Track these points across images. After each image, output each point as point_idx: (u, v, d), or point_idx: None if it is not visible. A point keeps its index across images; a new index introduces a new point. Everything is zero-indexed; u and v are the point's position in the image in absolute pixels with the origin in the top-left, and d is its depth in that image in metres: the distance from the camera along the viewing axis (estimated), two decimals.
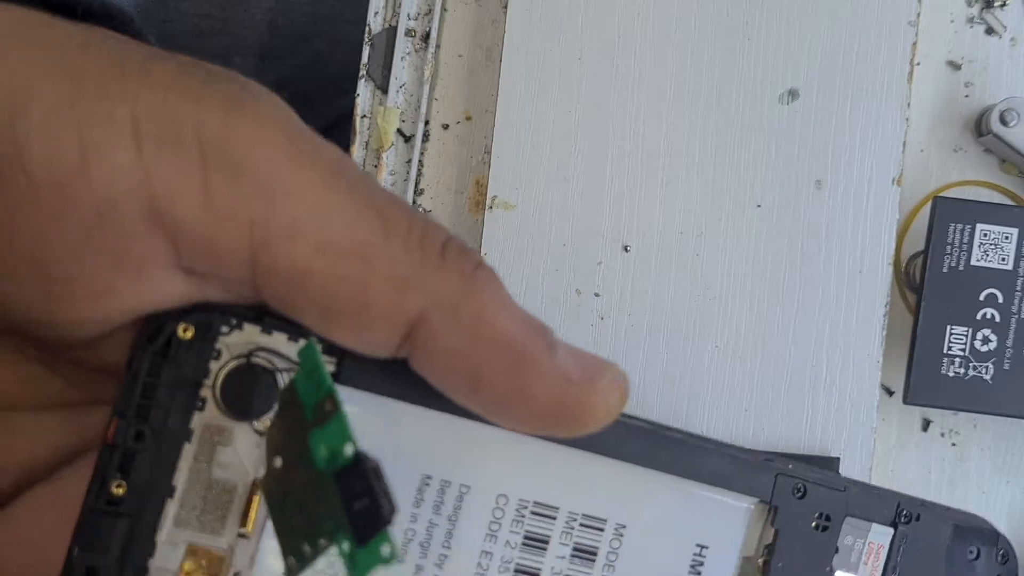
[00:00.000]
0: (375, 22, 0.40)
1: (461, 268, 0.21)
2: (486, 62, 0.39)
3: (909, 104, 0.37)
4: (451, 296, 0.21)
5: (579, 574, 0.24)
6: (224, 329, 0.21)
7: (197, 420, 0.22)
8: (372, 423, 0.22)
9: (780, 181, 0.37)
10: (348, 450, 0.19)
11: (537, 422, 0.22)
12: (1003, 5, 0.39)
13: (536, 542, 0.24)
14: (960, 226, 0.36)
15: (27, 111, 0.19)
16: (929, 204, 0.37)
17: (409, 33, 0.39)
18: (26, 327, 0.21)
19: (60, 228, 0.19)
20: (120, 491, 0.21)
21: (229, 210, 0.20)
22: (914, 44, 0.37)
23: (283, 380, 0.22)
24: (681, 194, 0.37)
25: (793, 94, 0.37)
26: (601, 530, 0.24)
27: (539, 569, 0.24)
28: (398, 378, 0.22)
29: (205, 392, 0.22)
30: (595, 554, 0.24)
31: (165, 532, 0.21)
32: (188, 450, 0.22)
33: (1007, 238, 0.36)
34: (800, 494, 0.25)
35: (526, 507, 0.24)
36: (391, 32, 0.39)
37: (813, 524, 0.26)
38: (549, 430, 0.22)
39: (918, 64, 0.38)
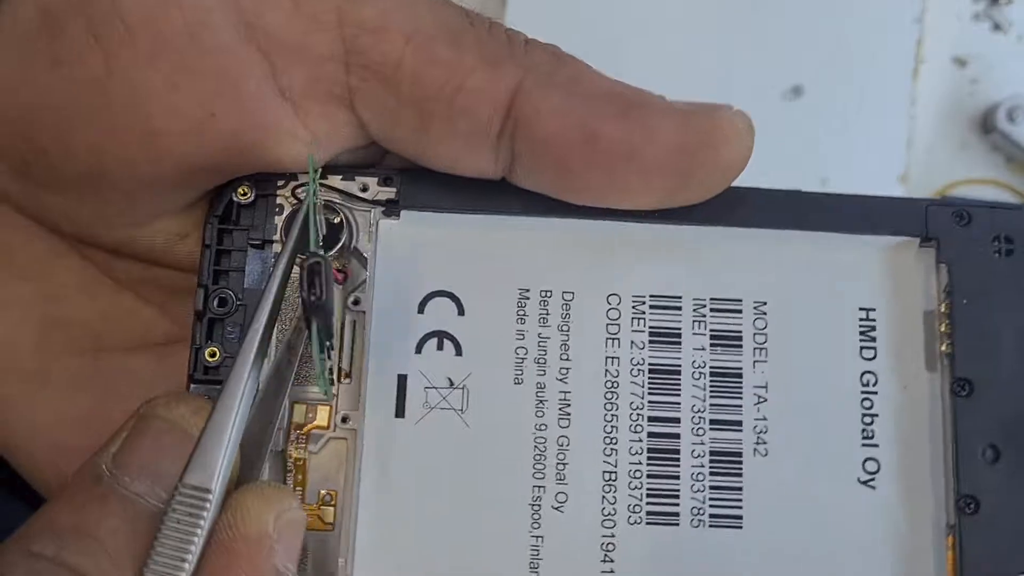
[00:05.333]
0: None
1: (550, 49, 0.21)
2: None
3: (914, 101, 0.37)
4: (545, 66, 0.20)
5: (727, 363, 0.22)
6: (280, 182, 0.21)
7: None
8: (442, 243, 0.22)
9: (784, 179, 0.37)
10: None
11: (666, 170, 0.20)
12: (1009, 2, 0.39)
13: (665, 337, 0.22)
14: None
15: None
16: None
17: None
18: (123, 197, 0.21)
19: (156, 59, 0.20)
20: (214, 358, 0.21)
21: (317, 12, 0.20)
22: (919, 41, 0.37)
23: (343, 214, 0.22)
24: None
25: (797, 91, 0.37)
26: (738, 312, 0.22)
27: (678, 364, 0.22)
28: (460, 191, 0.21)
29: (278, 247, 0.21)
30: (739, 338, 0.22)
31: None
32: None
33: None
34: (963, 220, 0.22)
35: (643, 302, 0.22)
36: None
37: (993, 252, 0.22)
38: (681, 178, 0.20)
39: (923, 61, 0.38)
